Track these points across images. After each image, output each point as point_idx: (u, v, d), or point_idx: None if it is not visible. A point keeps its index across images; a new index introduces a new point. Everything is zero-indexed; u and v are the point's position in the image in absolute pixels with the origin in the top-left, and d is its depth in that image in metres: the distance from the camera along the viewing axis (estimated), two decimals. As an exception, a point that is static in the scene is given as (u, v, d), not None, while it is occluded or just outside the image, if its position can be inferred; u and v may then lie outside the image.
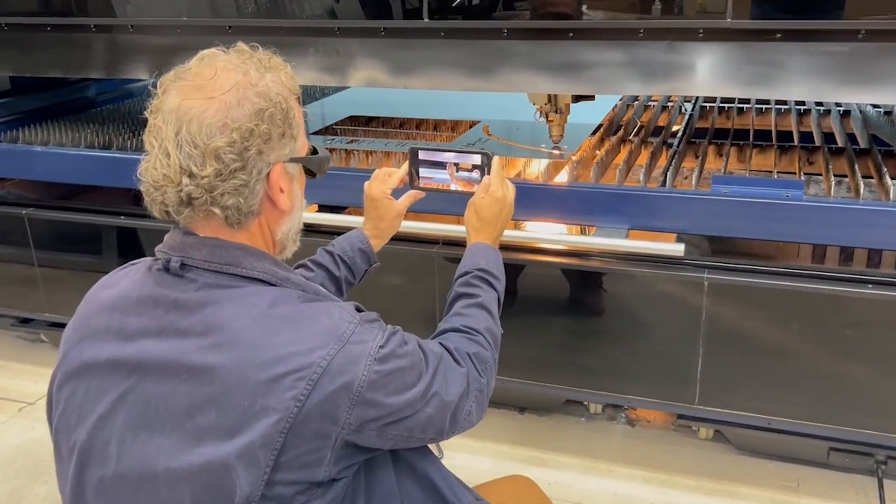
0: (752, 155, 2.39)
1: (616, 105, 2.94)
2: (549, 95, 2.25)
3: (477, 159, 1.49)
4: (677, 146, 2.32)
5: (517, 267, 2.12)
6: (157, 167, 0.95)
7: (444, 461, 1.19)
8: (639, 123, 2.71)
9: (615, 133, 2.61)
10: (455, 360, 1.13)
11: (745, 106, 2.95)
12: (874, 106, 2.79)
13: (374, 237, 1.54)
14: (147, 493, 0.93)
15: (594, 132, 2.57)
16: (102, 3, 2.40)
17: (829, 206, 1.86)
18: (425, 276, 2.19)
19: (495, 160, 1.47)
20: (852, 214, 1.83)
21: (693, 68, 1.87)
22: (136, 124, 2.79)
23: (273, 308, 0.95)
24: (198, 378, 0.92)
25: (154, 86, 0.99)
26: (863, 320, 1.86)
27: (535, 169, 2.36)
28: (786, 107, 2.88)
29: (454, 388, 1.08)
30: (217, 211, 0.96)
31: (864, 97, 1.83)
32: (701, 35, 1.83)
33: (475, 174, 1.49)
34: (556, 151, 2.34)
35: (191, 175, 0.93)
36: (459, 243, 1.77)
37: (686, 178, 2.33)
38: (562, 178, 2.24)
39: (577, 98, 2.28)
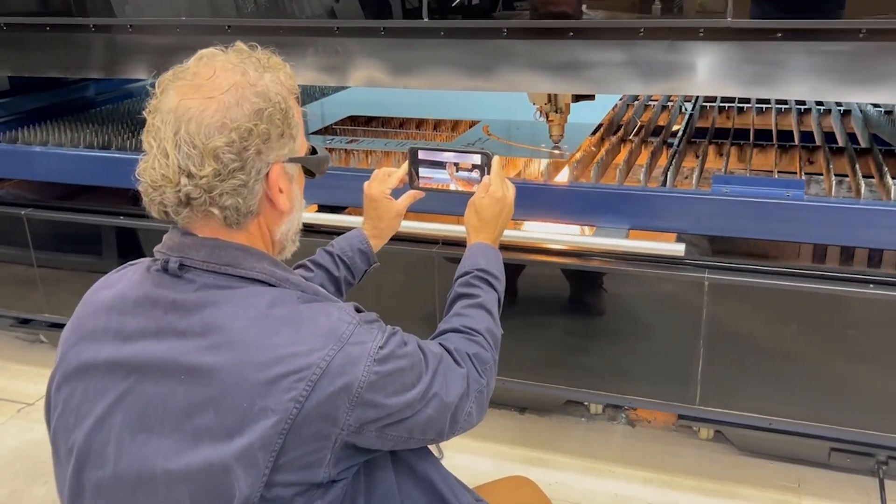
0: (753, 154, 2.39)
1: (616, 105, 2.94)
2: (550, 95, 2.25)
3: (477, 159, 1.48)
4: (678, 146, 2.32)
5: (517, 267, 2.11)
6: (155, 167, 0.94)
7: (444, 462, 1.19)
8: (639, 123, 2.71)
9: (615, 133, 2.60)
10: (455, 360, 1.12)
11: (745, 105, 2.95)
12: (875, 105, 2.79)
13: (374, 237, 1.54)
14: (145, 495, 0.93)
15: (594, 132, 2.57)
16: (101, 3, 2.39)
17: (829, 205, 1.86)
18: (425, 276, 2.18)
19: (495, 160, 1.46)
20: (853, 214, 1.83)
21: (693, 68, 1.87)
22: (136, 124, 2.78)
23: (272, 309, 0.95)
24: (196, 379, 0.92)
25: (152, 85, 0.99)
26: (864, 320, 1.86)
27: (535, 169, 2.36)
28: (786, 106, 2.88)
29: (454, 388, 1.08)
30: (216, 211, 0.96)
31: (864, 96, 1.83)
32: (701, 34, 1.82)
33: (475, 174, 1.49)
34: (556, 151, 2.33)
35: (189, 175, 0.93)
36: (459, 243, 1.77)
37: (686, 177, 2.33)
38: (562, 177, 2.24)
39: (578, 98, 2.28)
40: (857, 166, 2.05)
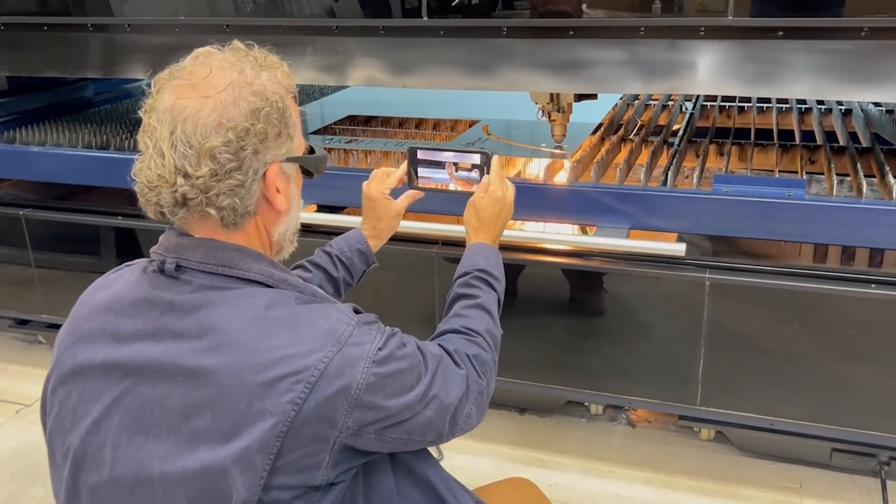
0: (754, 154, 2.38)
1: (616, 104, 2.93)
2: (552, 94, 2.24)
3: (476, 159, 1.47)
4: (678, 145, 2.31)
5: (517, 267, 2.10)
6: (151, 167, 0.94)
7: (443, 463, 1.18)
8: (639, 122, 2.70)
9: (616, 132, 2.60)
10: (454, 361, 1.12)
11: (746, 105, 2.94)
12: (876, 104, 2.78)
13: (373, 237, 1.53)
14: (142, 498, 0.92)
15: (594, 131, 2.56)
16: (99, 3, 2.39)
17: (831, 205, 1.85)
18: (424, 276, 2.17)
19: (495, 160, 1.46)
20: (854, 214, 1.82)
21: (694, 67, 1.86)
22: (134, 124, 2.78)
23: (269, 310, 0.94)
24: (193, 381, 0.91)
25: (149, 85, 0.98)
26: (865, 320, 1.85)
27: (535, 169, 2.35)
28: (787, 105, 2.88)
29: (454, 390, 1.07)
30: (212, 211, 0.95)
31: (866, 95, 1.83)
32: (702, 33, 1.82)
33: (474, 174, 1.48)
34: (557, 151, 2.33)
35: (185, 175, 0.92)
36: (459, 243, 1.76)
37: (687, 177, 2.33)
38: (562, 177, 2.23)
39: (580, 97, 2.27)
40: (859, 166, 2.05)
